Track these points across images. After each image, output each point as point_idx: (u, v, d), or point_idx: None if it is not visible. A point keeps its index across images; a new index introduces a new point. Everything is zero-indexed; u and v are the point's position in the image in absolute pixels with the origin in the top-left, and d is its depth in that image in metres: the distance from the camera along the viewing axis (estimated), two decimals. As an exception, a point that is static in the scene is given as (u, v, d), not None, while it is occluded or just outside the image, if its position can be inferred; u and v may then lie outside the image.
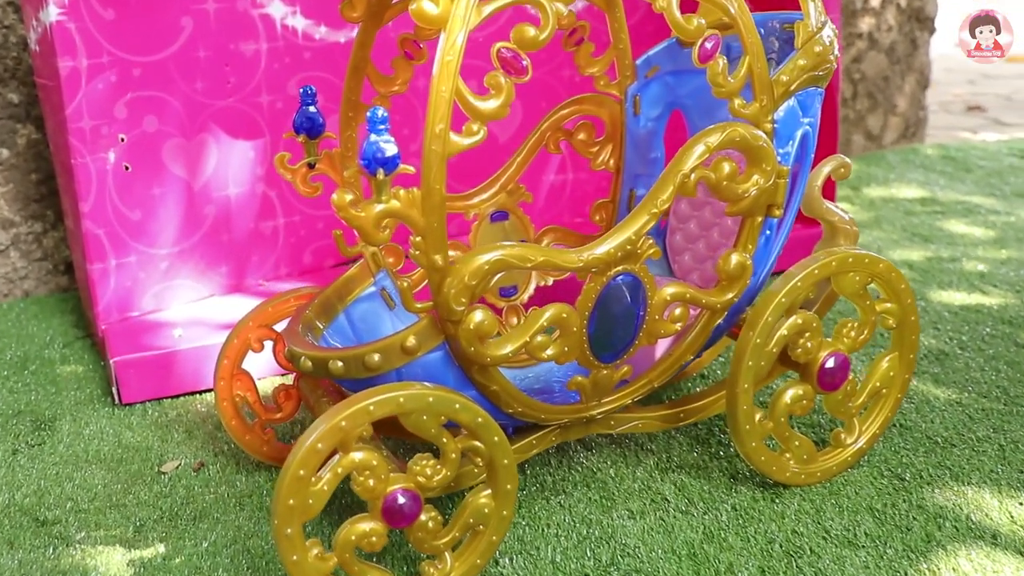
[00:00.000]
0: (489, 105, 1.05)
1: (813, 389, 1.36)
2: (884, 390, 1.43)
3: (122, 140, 1.77)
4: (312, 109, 1.30)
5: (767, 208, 1.27)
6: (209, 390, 1.73)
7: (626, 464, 1.45)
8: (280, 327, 1.42)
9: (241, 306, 1.90)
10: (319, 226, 2.08)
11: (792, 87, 1.26)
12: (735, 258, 1.26)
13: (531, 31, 1.05)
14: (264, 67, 1.91)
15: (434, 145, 1.04)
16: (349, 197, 1.03)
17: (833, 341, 1.37)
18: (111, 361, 1.67)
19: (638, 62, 1.49)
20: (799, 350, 1.33)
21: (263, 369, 1.70)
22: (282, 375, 1.75)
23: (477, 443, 1.13)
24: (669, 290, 1.24)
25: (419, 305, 1.13)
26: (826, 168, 1.43)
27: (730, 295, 1.28)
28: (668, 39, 1.50)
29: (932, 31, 3.21)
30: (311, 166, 1.33)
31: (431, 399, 1.09)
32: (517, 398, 1.22)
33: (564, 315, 1.17)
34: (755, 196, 1.24)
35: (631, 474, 1.43)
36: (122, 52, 1.74)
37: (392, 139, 1.03)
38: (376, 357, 1.14)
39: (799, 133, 1.30)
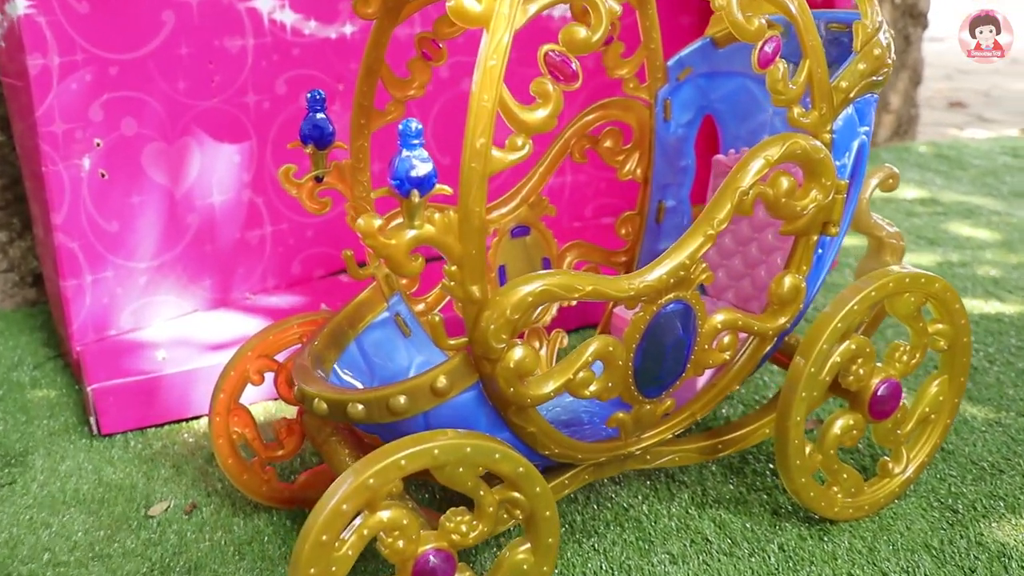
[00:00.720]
0: (537, 116, 0.92)
1: (864, 418, 1.24)
2: (933, 416, 1.32)
3: (98, 145, 1.61)
4: (320, 116, 1.16)
5: (823, 226, 1.14)
6: (197, 417, 1.57)
7: (659, 499, 1.32)
8: (282, 356, 1.28)
9: (227, 322, 1.76)
10: (308, 234, 1.93)
11: (851, 94, 1.14)
12: (789, 281, 1.14)
13: (582, 32, 0.92)
14: (251, 65, 1.75)
15: (474, 162, 0.90)
16: (378, 222, 0.89)
17: (884, 366, 1.25)
18: (88, 388, 1.51)
19: (669, 63, 1.36)
20: (851, 377, 1.21)
21: (255, 393, 1.55)
22: (274, 399, 1.61)
23: (517, 495, 1.00)
24: (719, 317, 1.11)
25: (453, 342, 0.99)
26: (874, 180, 1.31)
27: (783, 320, 1.15)
28: (701, 38, 1.37)
29: (925, 26, 3.12)
30: (319, 180, 1.19)
31: (468, 449, 0.95)
32: (555, 439, 1.08)
33: (610, 348, 1.04)
34: (812, 213, 1.11)
35: (666, 511, 1.30)
36: (97, 49, 1.57)
37: (427, 155, 0.89)
38: (402, 400, 1.00)
39: (856, 144, 1.17)
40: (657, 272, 1.03)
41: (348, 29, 1.87)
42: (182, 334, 1.70)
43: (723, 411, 1.56)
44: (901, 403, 1.27)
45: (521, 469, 0.99)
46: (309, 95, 1.15)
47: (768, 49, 1.04)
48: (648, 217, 1.40)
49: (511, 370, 0.97)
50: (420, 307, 1.28)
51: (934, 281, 1.23)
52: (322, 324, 1.25)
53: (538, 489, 1.01)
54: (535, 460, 1.07)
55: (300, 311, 1.84)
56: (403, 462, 0.93)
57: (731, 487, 1.35)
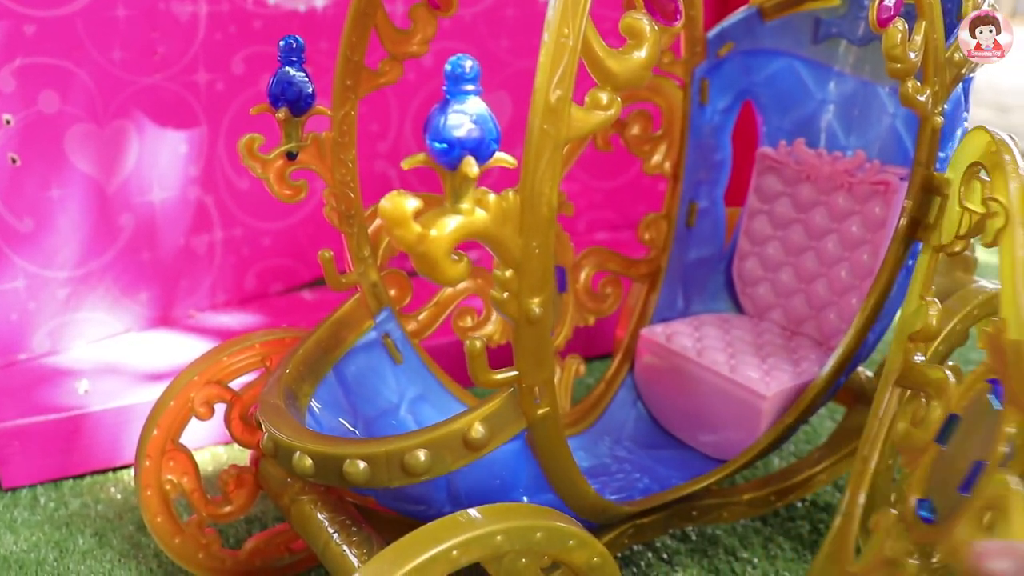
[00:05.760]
0: (631, 62, 0.64)
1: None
2: None
3: (8, 123, 1.27)
4: (293, 72, 0.86)
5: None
6: (127, 466, 1.24)
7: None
8: (237, 384, 0.98)
9: (166, 346, 1.43)
10: (265, 241, 1.61)
11: (963, 69, 0.90)
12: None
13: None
14: (203, 37, 1.44)
15: (546, 123, 0.62)
16: (413, 203, 0.59)
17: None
18: (-12, 427, 1.18)
19: (710, 35, 1.12)
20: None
21: (200, 436, 1.24)
22: (227, 442, 1.28)
23: (586, 592, 0.71)
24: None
25: (499, 376, 0.69)
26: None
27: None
28: (746, 6, 1.12)
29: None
30: (291, 156, 0.89)
31: (539, 535, 0.66)
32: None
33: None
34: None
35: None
36: (10, 0, 1.24)
37: (485, 108, 0.60)
38: (422, 456, 0.70)
39: (959, 133, 0.94)
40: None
41: (319, 2, 1.57)
42: (110, 360, 1.36)
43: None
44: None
45: (596, 559, 0.70)
46: (283, 42, 0.86)
47: (889, 3, 0.81)
48: (678, 220, 1.15)
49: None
50: (412, 326, 0.98)
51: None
52: (291, 345, 0.95)
53: (612, 583, 0.71)
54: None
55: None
56: (455, 553, 0.63)
57: (805, 565, 1.07)
